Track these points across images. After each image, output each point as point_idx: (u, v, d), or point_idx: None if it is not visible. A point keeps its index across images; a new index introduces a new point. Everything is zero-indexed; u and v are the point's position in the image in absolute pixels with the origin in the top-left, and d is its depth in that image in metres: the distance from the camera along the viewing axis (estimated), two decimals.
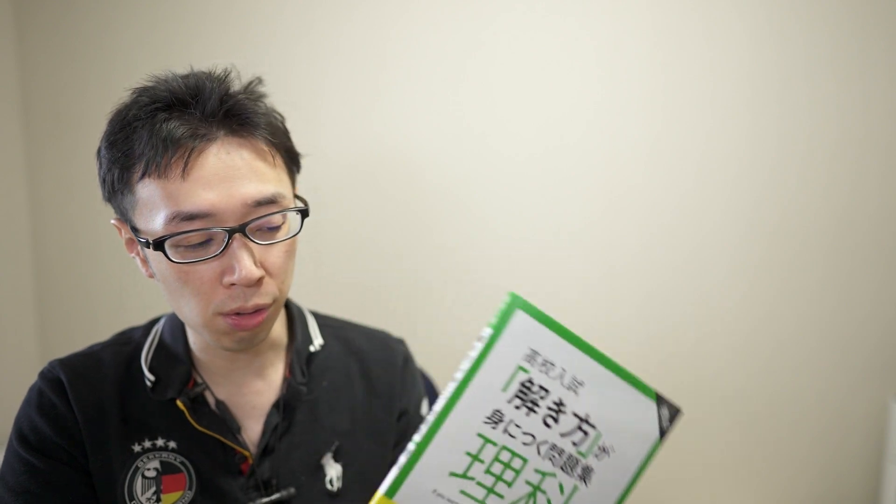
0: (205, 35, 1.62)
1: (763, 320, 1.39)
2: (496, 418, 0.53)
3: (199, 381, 0.78)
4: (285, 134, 0.73)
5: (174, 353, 0.79)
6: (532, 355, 0.53)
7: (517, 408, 0.53)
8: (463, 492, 0.53)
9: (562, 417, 0.54)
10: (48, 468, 0.72)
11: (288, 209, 0.70)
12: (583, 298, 1.46)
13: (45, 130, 1.77)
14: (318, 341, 0.87)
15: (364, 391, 0.88)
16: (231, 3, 1.60)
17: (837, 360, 1.37)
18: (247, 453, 0.77)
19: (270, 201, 0.67)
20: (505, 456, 0.53)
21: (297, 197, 0.75)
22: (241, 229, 0.65)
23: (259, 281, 0.68)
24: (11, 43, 1.74)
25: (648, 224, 1.43)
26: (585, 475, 0.55)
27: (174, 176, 0.64)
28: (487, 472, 0.53)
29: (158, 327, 0.83)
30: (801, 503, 1.41)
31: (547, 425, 0.54)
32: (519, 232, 1.49)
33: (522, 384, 0.53)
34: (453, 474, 0.53)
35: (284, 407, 0.81)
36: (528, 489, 0.54)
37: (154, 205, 0.65)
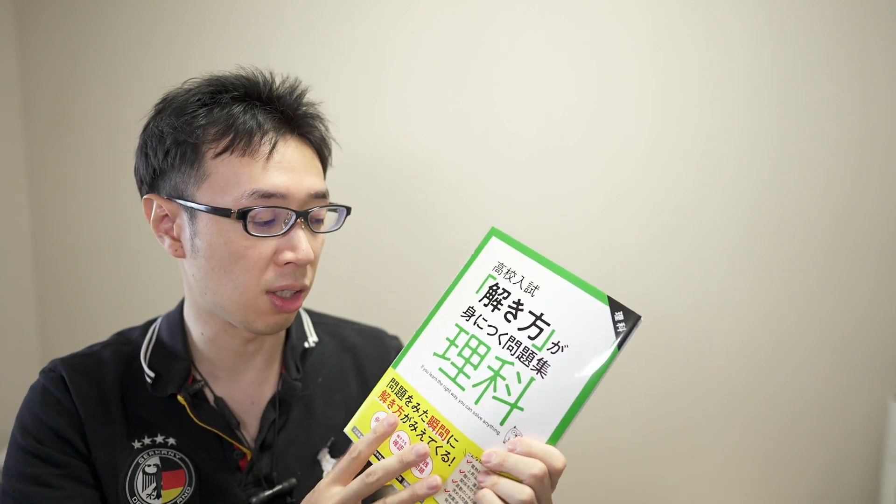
0: (205, 35, 1.62)
1: (763, 320, 1.39)
2: (469, 312, 0.67)
3: (199, 377, 0.80)
4: (330, 149, 0.83)
5: (172, 350, 0.80)
6: (499, 266, 0.68)
7: (485, 305, 0.66)
8: (441, 369, 0.65)
9: (520, 314, 0.65)
10: (53, 460, 0.72)
11: (339, 205, 0.80)
12: None
13: (45, 130, 1.77)
14: (312, 338, 0.89)
15: (358, 386, 0.89)
16: (231, 3, 1.60)
17: (837, 360, 1.37)
18: (245, 449, 0.78)
19: (324, 195, 0.76)
20: (473, 343, 0.65)
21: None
22: (305, 214, 0.73)
23: (307, 264, 0.74)
24: (12, 43, 1.74)
25: (648, 224, 1.43)
26: (541, 367, 0.62)
27: (260, 157, 0.71)
28: (459, 354, 0.65)
29: (156, 326, 0.84)
30: (801, 503, 1.41)
31: (507, 320, 0.65)
32: (519, 232, 1.48)
33: (490, 287, 0.67)
34: (435, 354, 0.66)
35: (280, 403, 0.82)
36: (490, 373, 0.63)
37: (232, 179, 0.70)
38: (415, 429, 0.63)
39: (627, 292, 1.45)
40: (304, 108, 0.77)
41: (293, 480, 0.79)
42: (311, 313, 0.94)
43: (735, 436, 1.43)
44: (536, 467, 0.57)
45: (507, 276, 0.67)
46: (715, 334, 1.42)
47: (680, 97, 1.38)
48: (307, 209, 0.73)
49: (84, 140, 1.74)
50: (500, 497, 0.57)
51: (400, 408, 0.64)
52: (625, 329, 0.61)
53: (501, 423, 0.61)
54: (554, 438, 0.60)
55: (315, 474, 0.82)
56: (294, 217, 0.72)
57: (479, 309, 0.66)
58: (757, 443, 1.42)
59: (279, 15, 1.57)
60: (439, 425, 0.62)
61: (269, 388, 0.83)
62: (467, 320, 0.66)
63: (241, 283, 0.72)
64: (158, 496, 0.75)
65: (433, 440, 0.62)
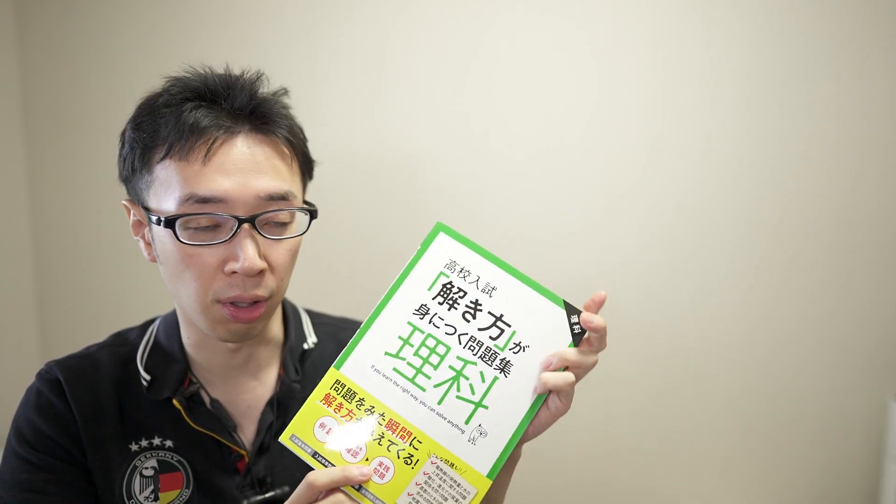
0: (205, 35, 1.62)
1: (763, 320, 1.39)
2: (423, 311, 0.65)
3: (195, 380, 0.79)
4: (304, 140, 0.77)
5: (169, 352, 0.79)
6: (452, 264, 0.67)
7: (440, 304, 0.65)
8: (395, 369, 0.63)
9: (479, 314, 0.65)
10: (47, 466, 0.72)
11: (297, 207, 0.73)
12: (583, 298, 1.46)
13: (45, 131, 1.77)
14: (311, 339, 0.88)
15: None
16: (231, 3, 1.60)
17: (837, 360, 1.37)
18: (243, 452, 0.77)
19: (283, 198, 0.70)
20: (430, 342, 0.64)
21: (305, 202, 0.77)
22: (251, 220, 0.68)
23: (260, 273, 0.70)
24: (12, 43, 1.74)
25: (648, 224, 1.43)
26: (504, 367, 0.63)
27: (195, 160, 0.67)
28: (416, 354, 0.64)
29: (154, 328, 0.83)
30: (801, 503, 1.41)
31: (466, 320, 0.65)
32: (519, 231, 1.49)
33: (444, 285, 0.66)
34: (388, 353, 0.64)
35: (278, 405, 0.81)
36: (452, 373, 0.63)
37: (170, 185, 0.67)
38: (371, 433, 0.61)
39: (627, 292, 1.45)
40: (262, 102, 0.71)
41: (286, 488, 0.78)
42: (311, 313, 0.93)
43: (735, 436, 1.43)
44: (591, 359, 0.65)
45: (462, 275, 0.66)
46: (715, 334, 1.42)
47: (680, 97, 1.38)
48: (257, 213, 0.68)
49: (84, 140, 1.74)
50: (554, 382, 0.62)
51: (350, 411, 0.61)
52: (580, 329, 0.65)
53: (466, 423, 0.62)
54: (516, 436, 0.62)
55: None
56: (237, 224, 0.67)
57: (434, 307, 0.65)
58: (757, 443, 1.42)
59: (279, 15, 1.57)
60: (399, 428, 0.61)
61: (266, 391, 0.82)
62: (421, 318, 0.65)
63: (192, 292, 0.70)
64: (156, 499, 0.74)
65: (393, 443, 0.61)
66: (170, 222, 0.67)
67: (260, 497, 0.77)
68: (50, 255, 1.81)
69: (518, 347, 0.64)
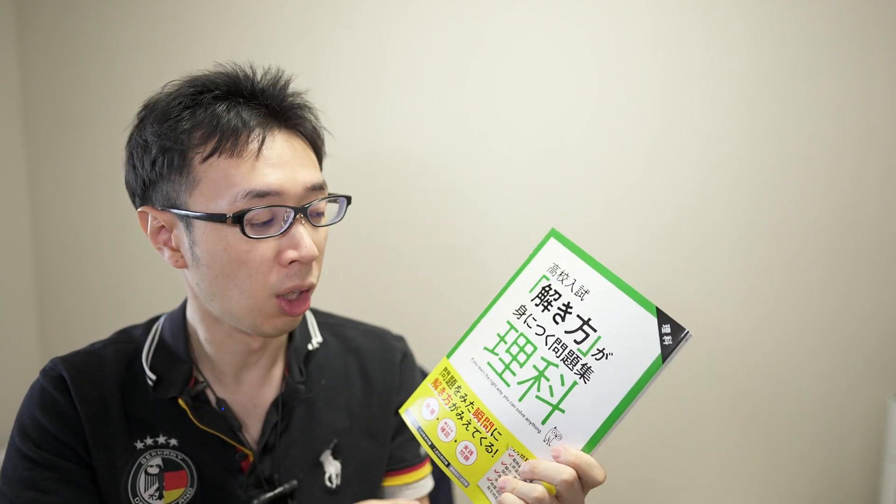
0: (205, 35, 1.62)
1: (763, 320, 1.39)
2: (521, 311, 0.67)
3: (201, 379, 0.79)
4: (322, 140, 0.81)
5: (175, 352, 0.79)
6: (554, 268, 0.67)
7: (536, 305, 0.67)
8: (489, 363, 0.67)
9: (568, 317, 0.65)
10: (51, 465, 0.72)
11: (339, 195, 0.77)
12: None
13: (45, 131, 1.77)
14: (316, 339, 0.88)
15: (362, 389, 0.88)
16: (231, 3, 1.60)
17: (837, 360, 1.37)
18: (247, 451, 0.77)
19: (321, 187, 0.74)
20: (521, 341, 0.66)
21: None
22: (304, 209, 0.71)
23: (313, 260, 0.72)
24: (12, 43, 1.74)
25: (648, 224, 1.43)
26: (585, 373, 0.63)
27: (248, 156, 0.68)
28: (507, 351, 0.66)
29: (158, 326, 0.83)
30: (801, 503, 1.41)
31: (556, 322, 0.65)
32: (519, 231, 1.49)
33: (543, 288, 0.67)
34: (486, 348, 0.67)
35: (283, 405, 0.81)
36: (535, 373, 0.64)
37: (222, 183, 0.68)
38: (461, 418, 0.66)
39: None
40: (291, 100, 0.75)
41: (294, 482, 0.79)
42: (316, 313, 0.93)
43: (735, 436, 1.43)
44: (566, 473, 0.60)
45: (560, 278, 0.67)
46: (715, 334, 1.42)
47: (680, 97, 1.38)
48: (305, 204, 0.71)
49: (84, 140, 1.74)
50: (519, 497, 0.60)
51: (449, 396, 0.67)
52: (671, 342, 0.61)
53: (543, 423, 0.63)
54: (591, 444, 0.62)
55: (317, 476, 0.82)
56: (293, 214, 0.69)
57: (531, 308, 0.67)
58: (757, 443, 1.42)
59: (279, 15, 1.57)
60: (484, 417, 0.65)
61: (272, 390, 0.82)
62: (518, 318, 0.67)
63: (248, 288, 0.70)
64: (161, 497, 0.74)
65: (478, 431, 0.64)
66: (237, 218, 0.67)
67: (269, 495, 0.77)
68: (50, 255, 1.81)
69: (601, 354, 0.62)
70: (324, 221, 0.76)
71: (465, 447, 0.65)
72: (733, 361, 1.41)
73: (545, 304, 0.66)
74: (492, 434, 0.64)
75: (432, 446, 0.67)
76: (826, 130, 1.32)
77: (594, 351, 0.63)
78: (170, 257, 0.74)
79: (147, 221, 0.73)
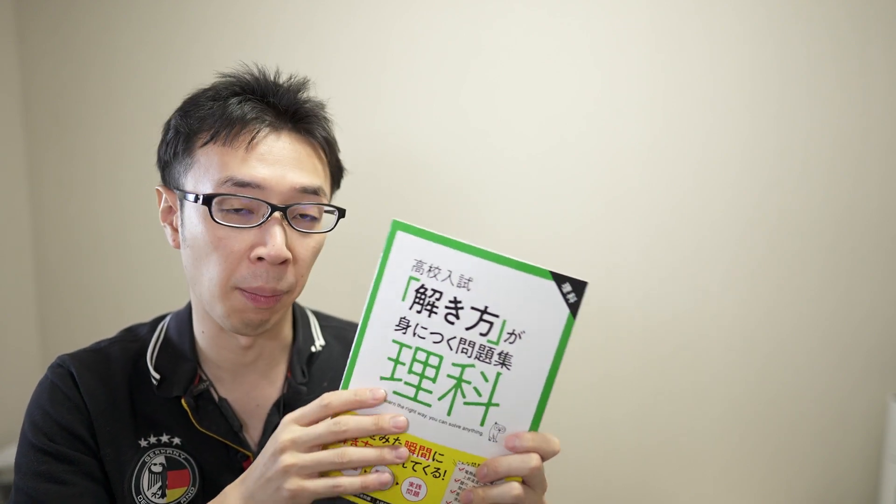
0: (205, 35, 1.62)
1: (763, 320, 1.39)
2: (403, 325, 0.60)
3: (205, 377, 0.79)
4: (337, 150, 0.81)
5: (180, 350, 0.80)
6: (418, 265, 0.60)
7: (418, 312, 0.59)
8: (396, 392, 0.60)
9: (461, 313, 0.59)
10: (66, 457, 0.72)
11: (327, 204, 0.76)
12: (584, 298, 1.46)
13: (45, 130, 1.77)
14: (319, 342, 0.88)
15: None
16: (231, 3, 1.60)
17: (837, 360, 1.37)
18: (248, 453, 0.78)
19: (315, 192, 0.73)
20: (421, 356, 0.60)
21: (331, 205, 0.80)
22: (284, 209, 0.70)
23: (283, 265, 0.71)
24: (12, 43, 1.74)
25: (648, 224, 1.43)
26: (504, 360, 0.59)
27: (238, 147, 0.70)
28: (410, 371, 0.60)
29: (164, 324, 0.84)
30: (801, 503, 1.41)
31: (450, 322, 0.59)
32: (519, 231, 1.49)
33: (416, 291, 0.60)
34: (383, 378, 0.60)
35: (284, 407, 0.81)
36: (452, 382, 0.59)
37: (210, 168, 0.71)
38: None
39: (627, 292, 1.45)
40: (306, 105, 0.77)
41: None
42: (318, 315, 0.93)
43: (735, 436, 1.43)
44: (534, 460, 0.58)
45: (432, 274, 0.59)
46: (715, 334, 1.42)
47: (680, 97, 1.38)
48: (288, 204, 0.71)
49: (84, 140, 1.74)
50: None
51: (366, 441, 0.59)
52: (576, 298, 0.59)
53: (482, 424, 0.60)
54: (536, 422, 0.60)
55: None
56: (270, 210, 0.69)
57: (413, 318, 0.59)
58: (757, 443, 1.42)
59: (279, 15, 1.57)
60: (418, 448, 0.60)
61: (274, 392, 0.83)
62: (404, 333, 0.59)
63: (215, 275, 0.71)
64: (163, 495, 0.75)
65: (417, 463, 0.60)
66: (207, 199, 0.69)
67: None
68: (50, 255, 1.81)
69: (513, 336, 0.59)
70: (315, 229, 0.75)
71: (411, 484, 0.60)
72: (733, 361, 1.41)
73: (428, 307, 0.59)
74: (434, 459, 0.60)
75: (373, 500, 0.60)
76: (826, 130, 1.32)
77: (505, 336, 0.59)
78: (170, 235, 0.77)
79: (161, 200, 0.78)
